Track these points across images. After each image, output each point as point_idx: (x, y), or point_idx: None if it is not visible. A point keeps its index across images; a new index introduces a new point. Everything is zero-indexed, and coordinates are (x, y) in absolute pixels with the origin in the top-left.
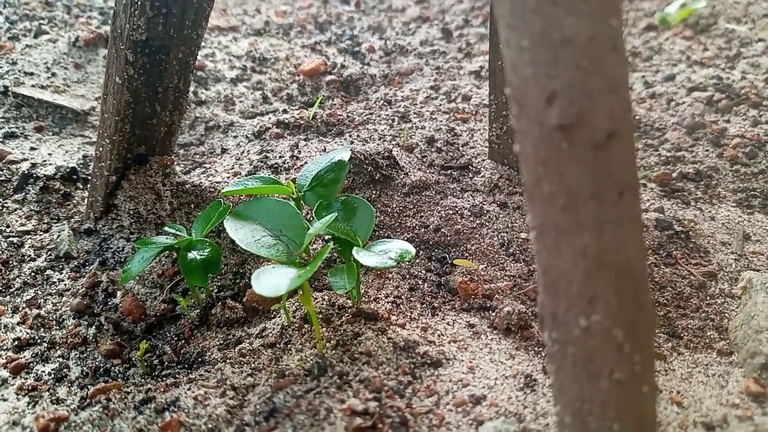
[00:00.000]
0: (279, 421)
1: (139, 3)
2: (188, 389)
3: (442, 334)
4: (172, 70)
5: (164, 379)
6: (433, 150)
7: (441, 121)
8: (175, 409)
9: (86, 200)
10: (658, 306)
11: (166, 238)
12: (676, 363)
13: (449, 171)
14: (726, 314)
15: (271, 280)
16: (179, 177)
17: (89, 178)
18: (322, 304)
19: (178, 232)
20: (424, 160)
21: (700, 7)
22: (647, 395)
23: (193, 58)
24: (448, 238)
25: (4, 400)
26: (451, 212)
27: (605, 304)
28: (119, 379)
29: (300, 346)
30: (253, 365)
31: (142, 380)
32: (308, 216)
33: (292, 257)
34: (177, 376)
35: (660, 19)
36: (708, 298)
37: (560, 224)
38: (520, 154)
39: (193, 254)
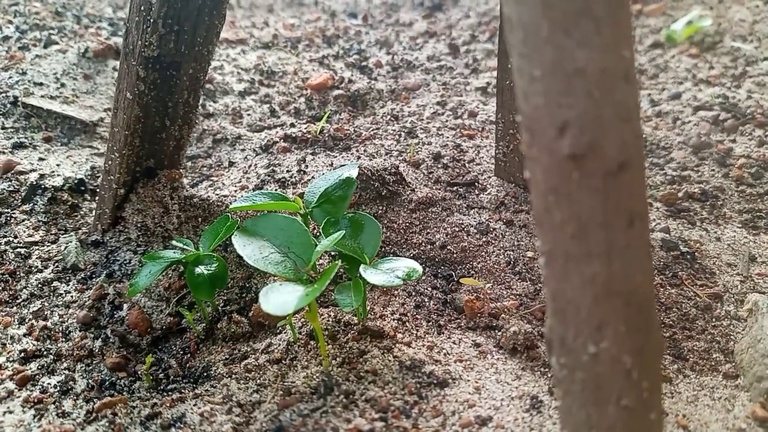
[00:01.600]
0: None
1: (151, 20)
2: (194, 405)
3: (448, 353)
4: (183, 86)
5: (170, 393)
6: (439, 166)
7: (447, 137)
8: (182, 426)
9: (94, 212)
10: (663, 327)
11: (174, 253)
12: (681, 386)
13: (455, 188)
14: (732, 336)
15: (278, 298)
16: (187, 191)
17: (97, 189)
18: (328, 320)
19: (185, 247)
20: (431, 176)
21: (706, 24)
22: (654, 421)
23: (204, 74)
24: (454, 255)
25: (10, 412)
26: (457, 229)
27: (613, 331)
28: (125, 393)
29: (306, 363)
30: (258, 381)
31: (148, 394)
32: (315, 231)
33: (299, 274)
34: (183, 390)
35: (666, 36)
36: (714, 319)
37: (570, 251)
38: (530, 181)
39: (200, 269)
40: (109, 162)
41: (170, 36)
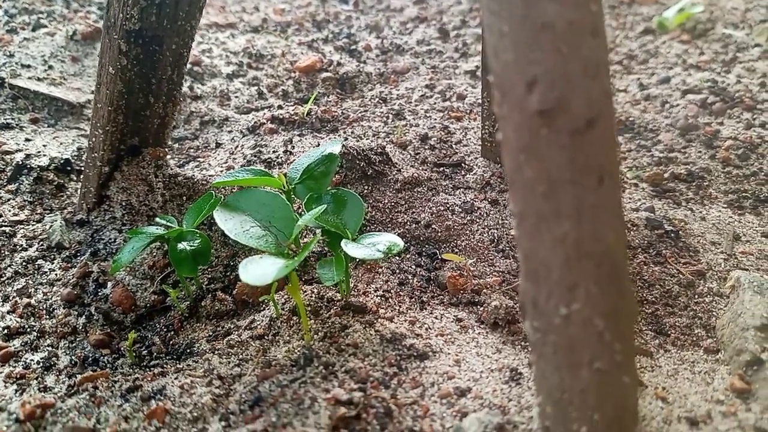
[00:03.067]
0: (264, 410)
1: None
2: (175, 378)
3: (430, 328)
4: (166, 62)
5: (152, 369)
6: (426, 147)
7: (435, 119)
8: (161, 398)
9: (79, 191)
10: (645, 304)
11: (157, 229)
12: (662, 360)
13: (442, 168)
14: (714, 313)
15: (258, 270)
16: (172, 169)
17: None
18: (311, 297)
19: (168, 223)
20: (417, 157)
21: (698, 11)
22: (628, 385)
23: (187, 50)
24: (439, 234)
25: None
26: (442, 209)
27: (585, 293)
28: (108, 369)
29: (288, 338)
30: (240, 356)
31: (131, 370)
32: (299, 211)
33: (280, 248)
34: (165, 366)
35: (657, 23)
36: (696, 296)
37: (540, 211)
38: (503, 141)
39: (183, 245)
40: (93, 139)
41: (152, 9)
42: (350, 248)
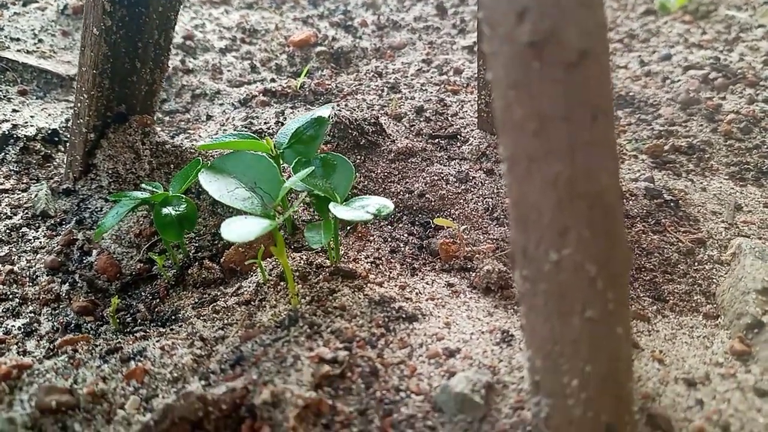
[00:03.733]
0: (245, 369)
1: None
2: (157, 341)
3: (420, 293)
4: (153, 25)
5: (134, 334)
6: (421, 119)
7: (431, 93)
8: (141, 359)
9: (65, 159)
10: (643, 271)
11: (142, 193)
12: (660, 325)
13: (437, 140)
14: (714, 280)
15: (241, 228)
16: (159, 137)
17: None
18: (300, 263)
19: (154, 189)
20: (412, 128)
21: None
22: (621, 336)
23: (174, 13)
24: (433, 203)
25: None
26: (436, 178)
27: (577, 237)
28: (90, 335)
29: (274, 303)
30: (225, 321)
31: (113, 336)
32: (289, 178)
33: (266, 210)
34: (148, 331)
35: (660, 5)
36: (696, 264)
37: (531, 151)
38: (492, 80)
39: (168, 209)
40: (78, 104)
41: None
42: (339, 210)
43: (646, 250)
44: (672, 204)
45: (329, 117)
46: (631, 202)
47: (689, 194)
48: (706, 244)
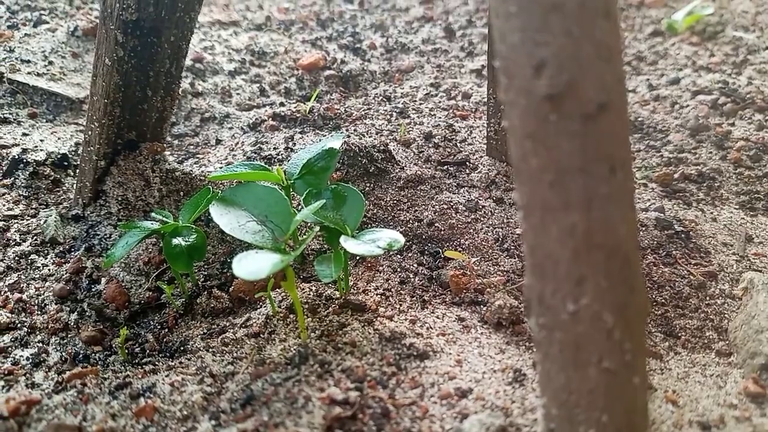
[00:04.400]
0: (255, 409)
1: None
2: (166, 376)
3: (431, 327)
4: (164, 54)
5: (143, 366)
6: (430, 145)
7: (440, 118)
8: (151, 395)
9: (75, 185)
10: (655, 305)
11: (152, 223)
12: (672, 362)
13: (446, 166)
14: (726, 315)
15: (252, 264)
16: (169, 164)
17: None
18: (309, 294)
19: (164, 218)
20: (421, 155)
21: (708, 14)
22: (638, 386)
23: (186, 43)
24: (442, 232)
25: None
26: (445, 207)
27: (594, 287)
28: (99, 366)
29: (284, 336)
30: (234, 354)
31: (122, 367)
32: (299, 207)
33: (277, 244)
34: (156, 363)
35: (667, 25)
36: (707, 298)
37: (548, 201)
38: (508, 129)
39: (177, 240)
40: (89, 132)
41: None
42: (349, 244)
43: (657, 284)
44: (683, 235)
45: (341, 149)
46: (642, 232)
47: (700, 225)
48: (717, 277)
